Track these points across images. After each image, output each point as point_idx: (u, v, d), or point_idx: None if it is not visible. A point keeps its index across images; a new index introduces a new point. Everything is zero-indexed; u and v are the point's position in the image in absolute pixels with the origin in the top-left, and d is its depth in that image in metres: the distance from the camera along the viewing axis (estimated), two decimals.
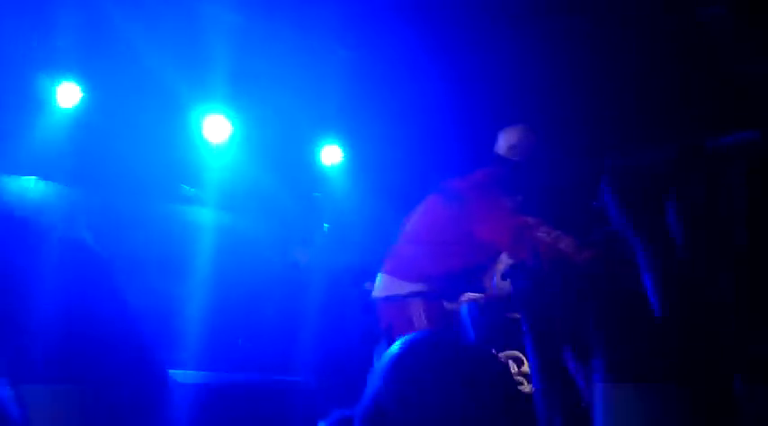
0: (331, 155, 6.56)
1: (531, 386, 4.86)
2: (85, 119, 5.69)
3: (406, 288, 4.47)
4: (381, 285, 4.53)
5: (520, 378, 4.92)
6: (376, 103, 5.89)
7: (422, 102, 6.01)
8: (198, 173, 6.36)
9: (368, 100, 5.92)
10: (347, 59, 5.78)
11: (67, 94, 5.60)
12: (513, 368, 4.90)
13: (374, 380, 1.33)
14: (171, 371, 1.56)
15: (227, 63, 5.61)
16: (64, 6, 5.12)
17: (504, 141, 4.54)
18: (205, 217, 6.52)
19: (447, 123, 6.20)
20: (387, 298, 4.49)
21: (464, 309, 5.14)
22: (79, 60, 5.39)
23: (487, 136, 6.38)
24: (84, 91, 5.67)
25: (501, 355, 4.90)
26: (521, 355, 4.85)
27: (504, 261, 5.71)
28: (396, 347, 1.37)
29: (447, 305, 5.11)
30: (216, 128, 6.24)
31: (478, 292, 5.41)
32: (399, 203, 5.47)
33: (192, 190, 6.30)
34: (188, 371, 5.31)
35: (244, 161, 6.49)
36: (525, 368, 4.86)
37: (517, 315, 5.21)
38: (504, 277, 5.32)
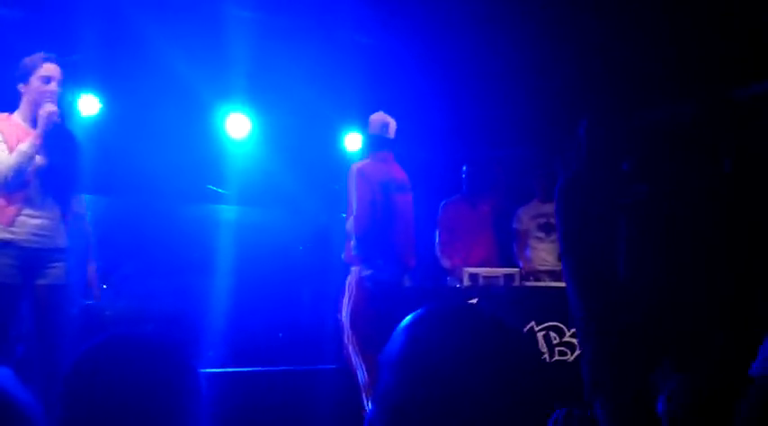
0: (354, 143, 6.60)
1: (574, 355, 4.92)
2: (108, 125, 5.75)
3: None
4: None
5: (562, 348, 4.97)
6: (396, 91, 5.92)
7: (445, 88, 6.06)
8: (222, 171, 6.40)
9: (388, 88, 5.95)
10: (367, 47, 5.80)
11: (88, 104, 5.67)
12: (556, 338, 4.96)
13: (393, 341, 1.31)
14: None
15: (247, 60, 5.65)
16: (85, 12, 5.16)
17: None
18: (233, 214, 6.58)
19: (469, 108, 6.26)
20: None
21: (499, 282, 5.20)
22: (102, 66, 5.43)
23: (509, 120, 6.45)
24: (105, 97, 5.73)
25: (541, 326, 4.96)
26: (561, 325, 4.91)
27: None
28: (416, 314, 1.34)
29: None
30: (238, 125, 6.29)
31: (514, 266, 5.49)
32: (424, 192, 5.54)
33: (218, 189, 6.35)
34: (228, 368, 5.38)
35: (265, 157, 6.55)
36: (567, 337, 4.92)
37: (549, 283, 5.30)
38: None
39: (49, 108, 3.43)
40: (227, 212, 6.66)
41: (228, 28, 5.59)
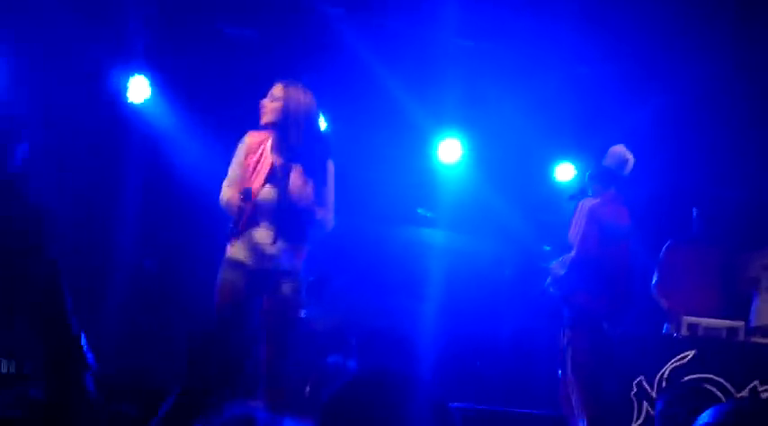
0: (565, 173, 6.43)
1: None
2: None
3: None
4: None
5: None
6: (612, 122, 5.68)
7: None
8: (432, 196, 6.47)
9: (602, 119, 5.73)
10: (582, 76, 5.63)
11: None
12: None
13: None
14: None
15: (461, 87, 5.68)
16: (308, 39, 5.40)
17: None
18: (441, 238, 6.62)
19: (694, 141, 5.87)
20: None
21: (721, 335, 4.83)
22: (324, 88, 5.70)
23: None
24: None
25: (766, 387, 4.53)
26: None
27: None
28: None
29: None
30: (450, 150, 6.34)
31: None
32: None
33: (428, 213, 6.42)
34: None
35: (475, 182, 6.54)
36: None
37: None
38: None
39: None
40: (436, 236, 6.70)
41: (444, 56, 5.64)
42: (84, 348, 1.68)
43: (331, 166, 3.63)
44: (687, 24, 4.93)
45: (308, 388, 5.48)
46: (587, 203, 4.58)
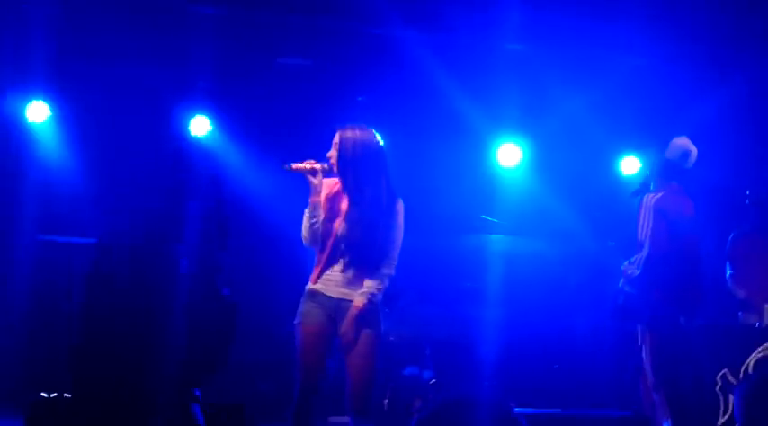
0: (630, 167, 6.36)
1: None
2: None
3: None
4: None
5: None
6: (676, 113, 5.60)
7: None
8: (494, 201, 6.47)
9: (666, 110, 5.65)
10: (643, 68, 5.57)
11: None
12: None
13: None
14: None
15: (518, 90, 5.68)
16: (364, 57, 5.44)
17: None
18: (506, 243, 6.61)
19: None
20: None
21: None
22: (383, 104, 5.75)
23: None
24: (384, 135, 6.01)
25: None
26: None
27: None
28: None
29: None
30: (509, 154, 6.33)
31: None
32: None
33: (492, 219, 6.42)
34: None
35: (536, 184, 6.51)
36: None
37: None
38: None
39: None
40: (501, 242, 6.69)
41: (500, 60, 5.64)
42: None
43: (400, 205, 3.75)
44: (752, 15, 4.83)
45: (386, 401, 5.54)
46: (651, 198, 4.51)
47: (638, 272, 4.41)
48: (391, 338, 5.68)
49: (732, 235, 5.42)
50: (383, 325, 3.76)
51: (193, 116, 6.07)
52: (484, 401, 1.59)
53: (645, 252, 4.41)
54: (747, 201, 5.34)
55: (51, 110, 5.94)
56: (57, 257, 6.09)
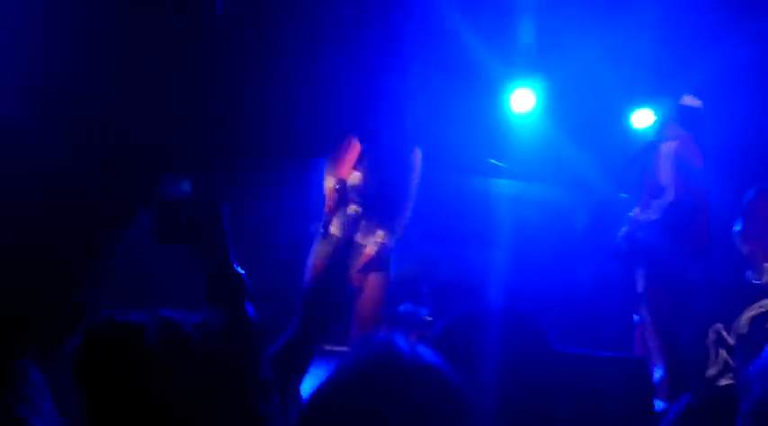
0: (642, 119, 6.28)
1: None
2: None
3: None
4: None
5: None
6: (690, 67, 5.49)
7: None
8: (505, 146, 6.43)
9: (679, 63, 5.54)
10: (657, 16, 5.44)
11: None
12: None
13: None
14: None
15: (533, 35, 5.59)
16: None
17: None
18: (514, 188, 6.60)
19: None
20: None
21: None
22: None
23: None
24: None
25: None
26: None
27: None
28: None
29: None
30: (522, 100, 6.27)
31: None
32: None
33: (501, 163, 6.40)
34: None
35: (548, 131, 6.46)
36: None
37: None
38: None
39: None
40: (509, 186, 6.68)
41: (514, 3, 5.54)
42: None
43: (418, 156, 3.75)
44: None
45: None
46: (670, 146, 4.47)
47: (655, 217, 4.39)
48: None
49: (752, 191, 5.37)
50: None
51: None
52: (500, 310, 1.61)
53: (669, 197, 4.38)
54: None
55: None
56: None
